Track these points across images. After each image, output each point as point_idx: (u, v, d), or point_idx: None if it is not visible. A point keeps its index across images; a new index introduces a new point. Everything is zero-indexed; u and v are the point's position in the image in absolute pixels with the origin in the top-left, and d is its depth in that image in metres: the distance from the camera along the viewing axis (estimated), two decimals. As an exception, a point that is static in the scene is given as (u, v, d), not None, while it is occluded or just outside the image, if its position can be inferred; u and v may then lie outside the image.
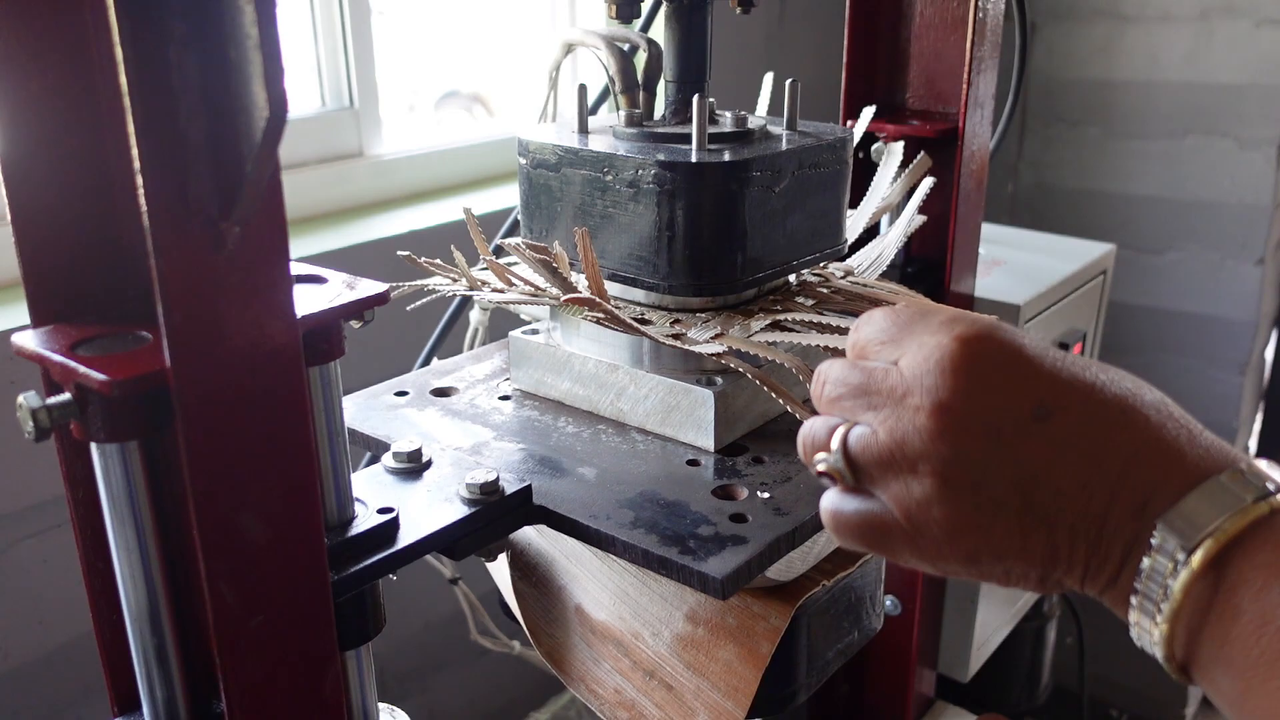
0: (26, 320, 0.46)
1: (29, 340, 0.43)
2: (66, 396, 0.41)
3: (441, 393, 0.77)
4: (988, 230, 1.26)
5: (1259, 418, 2.38)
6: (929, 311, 0.46)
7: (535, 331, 0.76)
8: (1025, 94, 2.22)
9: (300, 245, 1.19)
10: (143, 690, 0.47)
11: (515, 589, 0.71)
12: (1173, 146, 2.11)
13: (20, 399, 0.41)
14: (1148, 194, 2.16)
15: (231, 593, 0.43)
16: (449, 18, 1.63)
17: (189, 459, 0.40)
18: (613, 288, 0.72)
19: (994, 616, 1.39)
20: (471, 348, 0.96)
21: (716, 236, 0.66)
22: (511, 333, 0.77)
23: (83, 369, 0.40)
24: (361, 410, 0.74)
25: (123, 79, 0.37)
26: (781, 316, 0.69)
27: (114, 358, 0.41)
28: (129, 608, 0.45)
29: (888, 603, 1.16)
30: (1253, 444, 2.40)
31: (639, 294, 0.70)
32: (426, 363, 1.00)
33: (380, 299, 0.49)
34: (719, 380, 0.68)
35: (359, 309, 0.48)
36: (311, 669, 0.47)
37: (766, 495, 0.62)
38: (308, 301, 0.47)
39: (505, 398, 0.76)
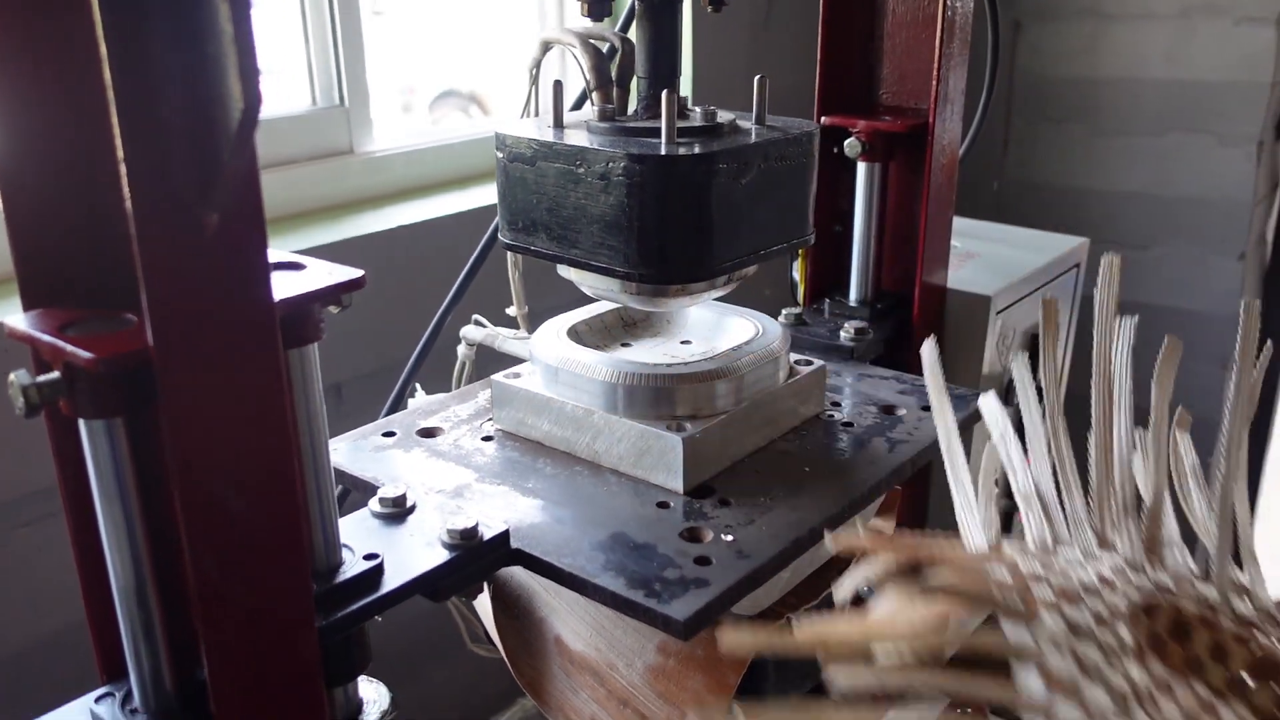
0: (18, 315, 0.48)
1: (20, 322, 0.45)
2: (55, 375, 0.43)
3: (428, 433, 0.80)
4: (967, 225, 1.28)
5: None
6: None
7: (518, 375, 0.79)
8: (1010, 92, 2.24)
9: (291, 241, 1.22)
10: (130, 661, 0.49)
11: (497, 622, 0.74)
12: (1155, 143, 2.13)
13: (11, 376, 0.43)
14: (1131, 190, 2.18)
15: (213, 564, 0.45)
16: (446, 18, 1.65)
17: (170, 433, 0.42)
18: (586, 277, 0.74)
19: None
20: (459, 381, 0.98)
21: (684, 226, 0.68)
22: (494, 376, 0.80)
23: (70, 348, 0.42)
24: (350, 451, 0.76)
25: (107, 74, 0.39)
26: None
27: (100, 337, 0.43)
28: (117, 581, 0.47)
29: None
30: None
31: (612, 283, 0.73)
32: (403, 390, 1.01)
33: (356, 284, 0.51)
34: (689, 426, 0.70)
35: (335, 293, 0.50)
36: (289, 637, 0.49)
37: (730, 538, 0.65)
38: (286, 286, 0.49)
39: (488, 438, 0.79)
